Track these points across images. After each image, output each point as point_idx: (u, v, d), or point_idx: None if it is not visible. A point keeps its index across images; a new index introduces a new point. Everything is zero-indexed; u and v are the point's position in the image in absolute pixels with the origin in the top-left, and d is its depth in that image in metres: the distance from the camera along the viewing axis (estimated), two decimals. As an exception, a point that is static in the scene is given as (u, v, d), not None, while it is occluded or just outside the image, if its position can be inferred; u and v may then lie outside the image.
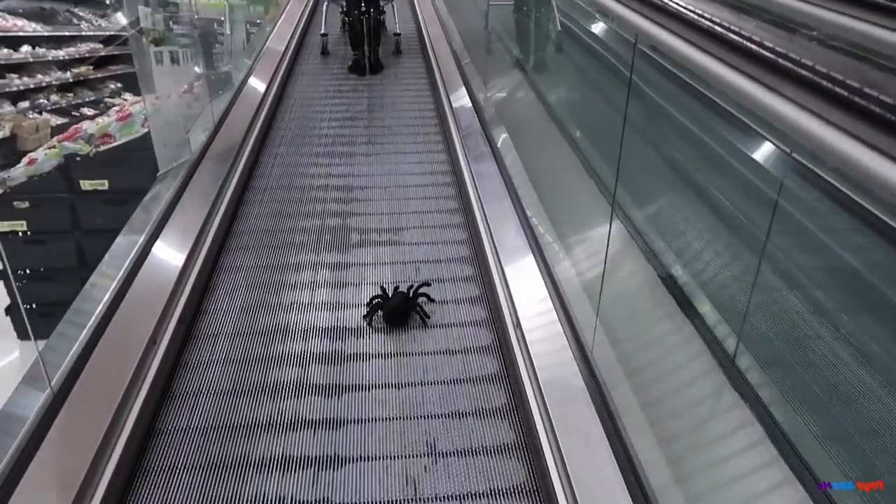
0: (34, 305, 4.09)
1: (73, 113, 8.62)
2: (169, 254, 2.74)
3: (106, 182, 4.10)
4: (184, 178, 3.35)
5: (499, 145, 3.76)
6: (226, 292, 2.77)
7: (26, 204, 4.10)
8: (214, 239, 3.02)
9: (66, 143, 4.20)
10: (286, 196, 3.62)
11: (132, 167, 3.97)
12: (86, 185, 4.10)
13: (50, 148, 4.22)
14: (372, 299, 2.62)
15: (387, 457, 1.99)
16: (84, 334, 2.18)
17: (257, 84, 4.90)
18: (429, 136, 4.45)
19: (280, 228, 3.29)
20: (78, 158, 4.12)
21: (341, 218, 3.40)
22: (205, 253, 2.86)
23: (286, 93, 5.22)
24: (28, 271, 4.24)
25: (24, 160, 4.21)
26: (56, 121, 8.04)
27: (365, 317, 2.59)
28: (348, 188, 3.72)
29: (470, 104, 4.49)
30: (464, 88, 4.79)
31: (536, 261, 2.67)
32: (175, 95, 3.89)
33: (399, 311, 2.57)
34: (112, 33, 8.61)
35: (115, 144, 4.27)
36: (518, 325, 2.35)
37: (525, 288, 2.55)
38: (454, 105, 4.57)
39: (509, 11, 5.65)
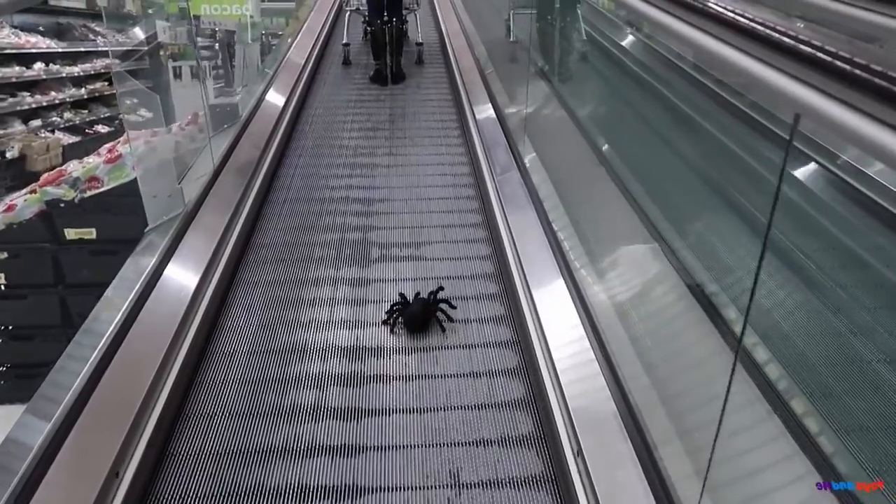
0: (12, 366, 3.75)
1: (86, 130, 8.46)
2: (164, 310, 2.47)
3: (93, 231, 3.68)
4: (178, 231, 2.84)
5: (524, 157, 3.65)
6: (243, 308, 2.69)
7: (4, 254, 3.70)
8: (226, 267, 2.94)
9: (48, 189, 3.80)
10: (305, 209, 3.55)
11: (123, 214, 3.46)
12: (70, 234, 3.68)
13: (31, 193, 3.85)
14: (392, 306, 2.59)
15: (408, 487, 1.89)
16: (103, 341, 2.11)
17: (276, 96, 4.85)
18: (451, 148, 4.36)
19: (299, 242, 3.21)
20: (62, 205, 3.71)
21: (361, 232, 3.31)
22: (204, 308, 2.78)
23: (307, 102, 5.17)
24: (9, 328, 3.81)
25: (2, 206, 3.85)
26: (68, 139, 7.96)
27: (385, 322, 2.57)
28: (368, 200, 3.63)
29: (493, 115, 4.40)
30: (487, 99, 4.69)
31: (563, 277, 2.55)
32: (174, 129, 3.49)
33: (419, 317, 2.54)
34: (129, 48, 8.84)
35: (103, 189, 3.85)
36: (546, 347, 2.24)
37: (552, 307, 2.43)
38: (477, 115, 4.47)
39: (533, 21, 5.55)
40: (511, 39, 5.94)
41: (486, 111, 4.51)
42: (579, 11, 4.68)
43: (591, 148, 3.52)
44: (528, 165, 3.51)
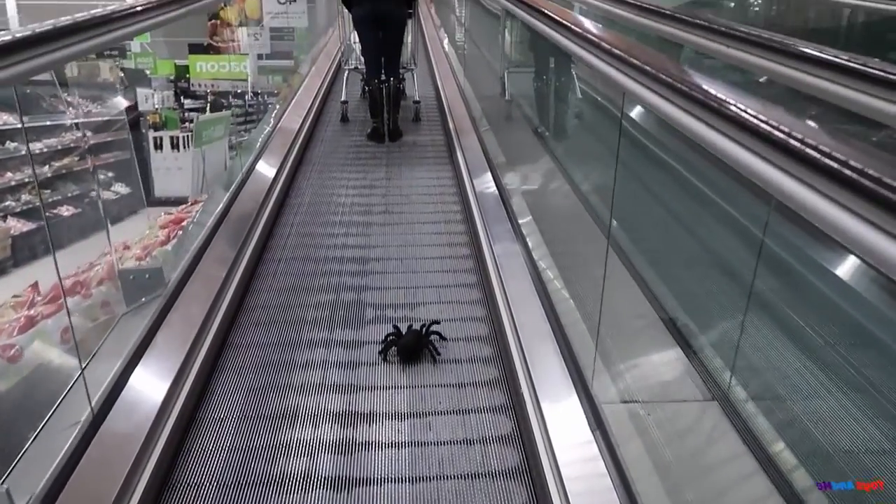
0: None
1: (47, 214, 7.38)
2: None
3: None
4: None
5: (517, 214, 3.68)
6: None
7: None
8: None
9: None
10: (301, 268, 3.56)
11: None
12: None
13: None
14: (386, 337, 2.74)
15: (398, 563, 1.84)
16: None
17: (277, 145, 4.92)
18: (447, 206, 4.40)
19: (292, 304, 3.20)
20: None
21: (356, 292, 3.31)
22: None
23: (305, 158, 5.25)
24: None
25: None
26: (22, 227, 7.16)
27: (380, 353, 2.71)
28: (364, 259, 3.64)
29: (488, 172, 4.46)
30: (483, 157, 4.77)
31: (553, 332, 2.54)
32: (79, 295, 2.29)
33: (411, 347, 2.68)
34: (107, 118, 7.20)
35: None
36: (539, 410, 2.22)
37: (544, 366, 2.42)
38: (473, 174, 4.53)
39: (528, 79, 5.67)
40: (506, 98, 6.06)
41: (479, 168, 4.58)
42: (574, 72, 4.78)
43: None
44: (522, 225, 3.55)
